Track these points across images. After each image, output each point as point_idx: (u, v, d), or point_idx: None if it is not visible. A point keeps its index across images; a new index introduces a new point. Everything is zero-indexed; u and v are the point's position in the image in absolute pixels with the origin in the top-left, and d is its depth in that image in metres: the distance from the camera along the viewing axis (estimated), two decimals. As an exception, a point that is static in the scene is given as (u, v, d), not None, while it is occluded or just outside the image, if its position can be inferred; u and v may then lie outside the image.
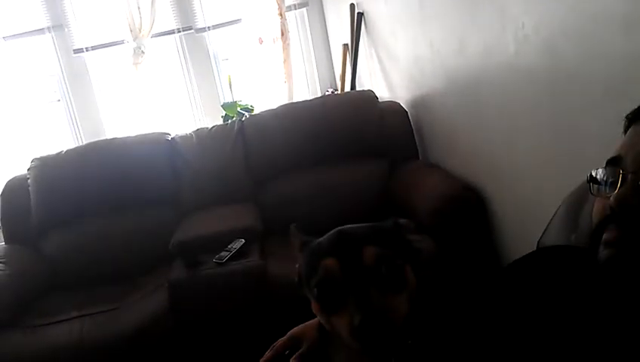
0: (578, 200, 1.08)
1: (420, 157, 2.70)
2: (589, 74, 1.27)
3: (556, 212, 1.16)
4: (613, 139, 0.75)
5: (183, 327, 2.01)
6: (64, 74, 3.97)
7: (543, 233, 1.16)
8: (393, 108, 2.71)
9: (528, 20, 1.49)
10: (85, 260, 2.42)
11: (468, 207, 2.04)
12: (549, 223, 1.16)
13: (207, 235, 2.20)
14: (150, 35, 3.87)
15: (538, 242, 1.14)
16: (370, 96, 2.72)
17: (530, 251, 0.96)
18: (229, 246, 2.10)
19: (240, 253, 2.07)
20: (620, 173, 0.65)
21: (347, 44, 3.68)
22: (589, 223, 0.98)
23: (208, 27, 4.08)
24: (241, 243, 2.11)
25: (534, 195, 1.67)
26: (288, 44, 4.02)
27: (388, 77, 3.12)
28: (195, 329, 2.01)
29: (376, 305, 0.60)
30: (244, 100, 3.88)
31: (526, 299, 0.72)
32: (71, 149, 2.70)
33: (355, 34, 3.38)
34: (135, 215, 2.53)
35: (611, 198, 0.65)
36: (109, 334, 1.93)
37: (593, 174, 0.71)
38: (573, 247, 0.91)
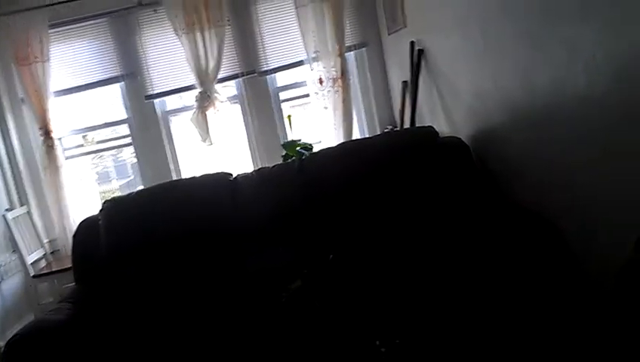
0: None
1: (484, 191, 2.60)
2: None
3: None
4: None
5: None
6: (135, 119, 4.22)
7: None
8: (454, 142, 2.64)
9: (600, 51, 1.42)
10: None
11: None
12: None
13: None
14: (216, 80, 4.03)
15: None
16: (430, 132, 2.67)
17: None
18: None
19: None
20: None
21: (406, 81, 3.68)
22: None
23: (270, 70, 4.22)
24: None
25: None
26: (348, 84, 4.08)
27: (449, 112, 3.07)
28: None
29: None
30: (304, 139, 3.91)
31: None
32: (141, 190, 2.80)
33: (414, 71, 3.37)
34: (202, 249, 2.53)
35: None
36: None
37: None
38: None
